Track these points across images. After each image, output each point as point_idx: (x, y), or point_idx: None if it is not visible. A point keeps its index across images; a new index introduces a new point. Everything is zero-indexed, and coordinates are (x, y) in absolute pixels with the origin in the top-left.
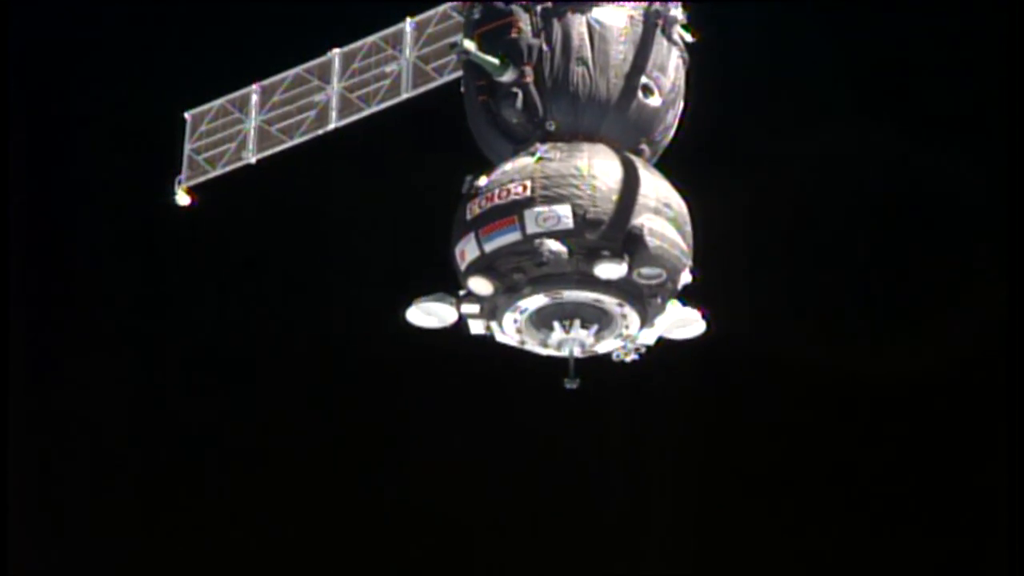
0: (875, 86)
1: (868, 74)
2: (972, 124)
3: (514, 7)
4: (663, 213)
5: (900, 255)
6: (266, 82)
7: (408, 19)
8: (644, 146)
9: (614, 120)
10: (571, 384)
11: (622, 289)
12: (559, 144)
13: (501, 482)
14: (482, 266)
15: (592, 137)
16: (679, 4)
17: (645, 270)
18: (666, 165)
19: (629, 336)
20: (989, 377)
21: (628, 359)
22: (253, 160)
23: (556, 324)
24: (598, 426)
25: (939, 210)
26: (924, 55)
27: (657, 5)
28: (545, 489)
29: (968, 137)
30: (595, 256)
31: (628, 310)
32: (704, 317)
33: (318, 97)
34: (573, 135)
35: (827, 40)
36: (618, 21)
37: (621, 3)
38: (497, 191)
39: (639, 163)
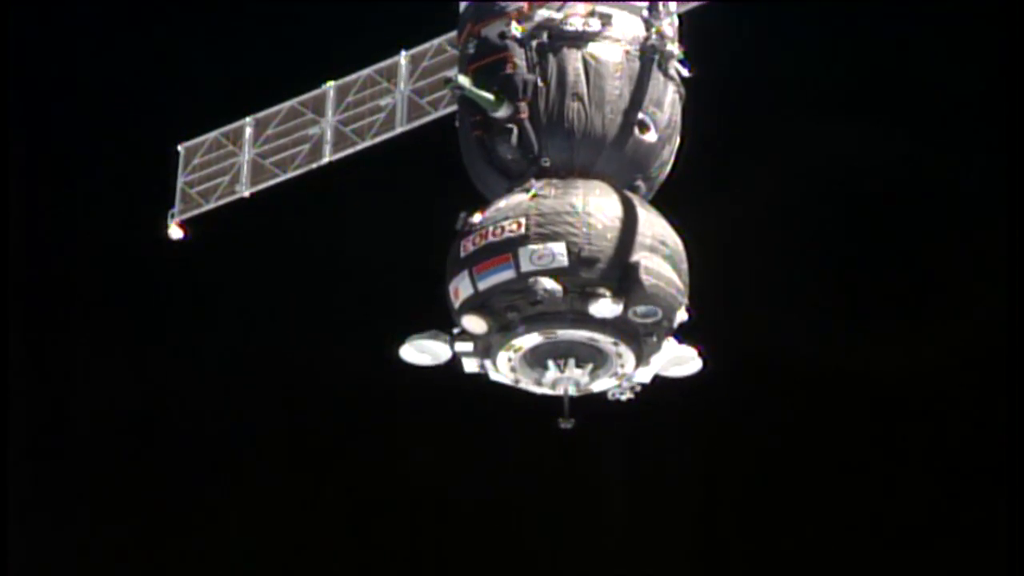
0: (872, 86)
1: (865, 74)
2: (971, 122)
3: (509, 42)
4: (659, 251)
5: (898, 255)
6: (260, 115)
7: (403, 52)
8: (640, 182)
9: (610, 156)
10: (566, 424)
11: (617, 328)
12: (554, 181)
13: (494, 520)
14: (476, 304)
15: (587, 173)
16: (676, 40)
17: (640, 309)
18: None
19: (624, 375)
20: (989, 377)
21: (624, 398)
22: (247, 193)
23: (551, 363)
24: (593, 465)
25: (938, 209)
26: (921, 52)
27: (654, 40)
28: (541, 528)
29: (967, 135)
30: (590, 295)
31: (623, 349)
32: (701, 355)
33: (312, 130)
34: (568, 171)
35: (820, 40)
36: (614, 56)
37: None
38: (491, 228)
39: (635, 200)
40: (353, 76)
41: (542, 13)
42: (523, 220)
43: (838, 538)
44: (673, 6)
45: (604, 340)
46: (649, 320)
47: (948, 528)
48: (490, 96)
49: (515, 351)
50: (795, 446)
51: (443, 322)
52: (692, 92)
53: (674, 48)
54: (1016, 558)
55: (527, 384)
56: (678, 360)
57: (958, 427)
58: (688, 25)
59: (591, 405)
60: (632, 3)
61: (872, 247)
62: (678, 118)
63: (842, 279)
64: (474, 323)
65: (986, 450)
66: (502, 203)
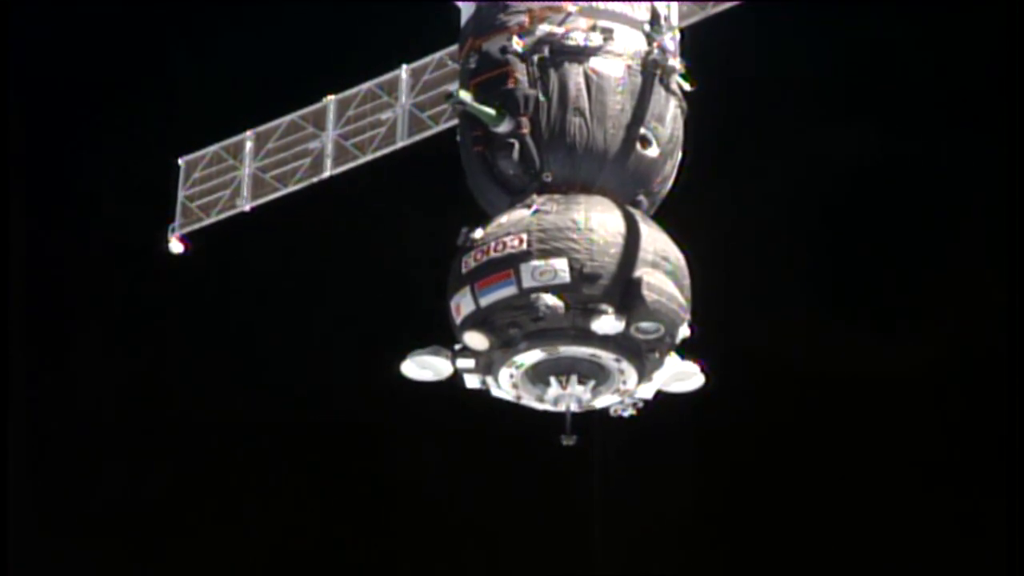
0: (870, 88)
1: (863, 76)
2: (970, 123)
3: (510, 57)
4: (661, 267)
5: (899, 256)
6: (261, 129)
7: (403, 66)
8: (642, 197)
9: (612, 171)
10: (568, 440)
11: (619, 344)
12: (556, 196)
13: (495, 535)
14: (478, 320)
15: (589, 189)
16: (678, 54)
17: (643, 325)
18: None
19: (627, 391)
20: (989, 377)
21: (626, 414)
22: (247, 208)
23: (553, 379)
24: (593, 481)
25: (937, 211)
26: (920, 53)
27: (655, 55)
28: (543, 544)
29: (966, 136)
30: (592, 311)
31: (626, 365)
32: (703, 370)
33: (313, 144)
34: (570, 187)
35: (819, 41)
36: (616, 71)
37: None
38: (493, 244)
39: (637, 215)
40: (354, 90)
41: (543, 28)
42: (525, 236)
43: (840, 541)
44: (675, 15)
45: (606, 356)
46: (651, 336)
47: (950, 529)
48: (491, 111)
49: (517, 367)
50: (797, 452)
51: (445, 338)
52: (691, 97)
53: (676, 63)
54: (1016, 558)
55: (529, 400)
56: (680, 376)
57: (960, 428)
58: (690, 37)
59: (593, 421)
60: (633, 15)
61: (872, 248)
62: (680, 133)
63: (843, 283)
64: (476, 339)
65: (988, 451)
66: (504, 219)
